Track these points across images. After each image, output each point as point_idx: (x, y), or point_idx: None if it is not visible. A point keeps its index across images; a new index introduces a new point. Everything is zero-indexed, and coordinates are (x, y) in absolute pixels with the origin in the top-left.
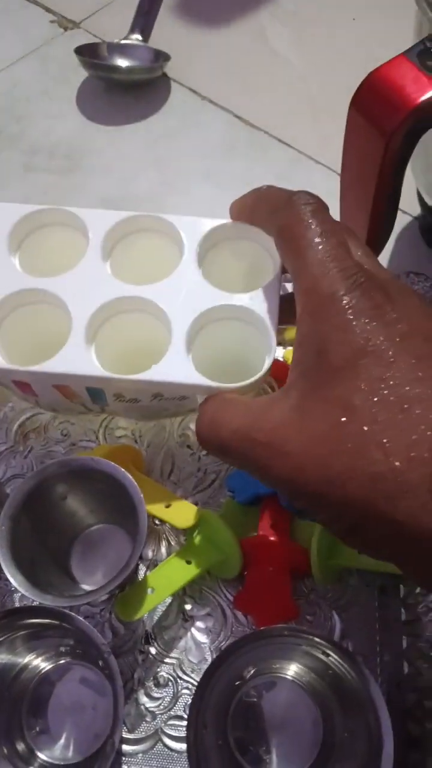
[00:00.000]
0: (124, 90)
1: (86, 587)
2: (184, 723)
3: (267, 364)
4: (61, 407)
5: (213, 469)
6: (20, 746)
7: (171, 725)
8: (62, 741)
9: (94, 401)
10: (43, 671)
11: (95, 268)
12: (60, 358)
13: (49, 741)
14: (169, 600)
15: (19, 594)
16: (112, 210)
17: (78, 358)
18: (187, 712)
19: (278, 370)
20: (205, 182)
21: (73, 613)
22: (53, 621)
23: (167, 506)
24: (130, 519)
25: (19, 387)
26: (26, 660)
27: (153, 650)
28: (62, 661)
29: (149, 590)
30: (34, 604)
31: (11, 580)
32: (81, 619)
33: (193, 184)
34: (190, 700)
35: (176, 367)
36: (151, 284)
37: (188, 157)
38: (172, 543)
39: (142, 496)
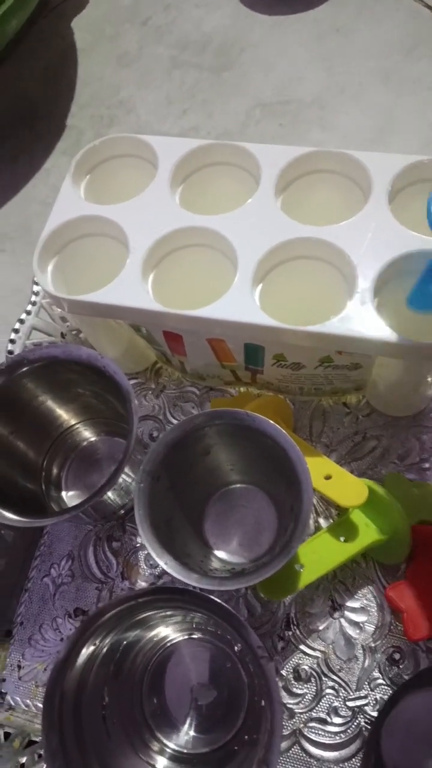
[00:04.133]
0: None
1: (220, 554)
2: (328, 727)
3: None
4: (209, 373)
5: (374, 433)
6: (143, 731)
7: (312, 728)
8: (184, 726)
9: (248, 364)
10: (168, 647)
11: (262, 208)
12: (223, 303)
13: (169, 723)
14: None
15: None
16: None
17: (243, 305)
18: (331, 716)
19: None
20: (382, 86)
21: (225, 605)
22: (199, 609)
23: (327, 478)
24: (277, 483)
25: (169, 341)
26: (154, 633)
27: (294, 637)
28: (195, 636)
29: (298, 566)
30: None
31: (157, 560)
32: (233, 611)
33: (367, 88)
34: (333, 701)
35: (362, 320)
36: (330, 227)
37: (362, 55)
38: (320, 515)
39: (307, 466)
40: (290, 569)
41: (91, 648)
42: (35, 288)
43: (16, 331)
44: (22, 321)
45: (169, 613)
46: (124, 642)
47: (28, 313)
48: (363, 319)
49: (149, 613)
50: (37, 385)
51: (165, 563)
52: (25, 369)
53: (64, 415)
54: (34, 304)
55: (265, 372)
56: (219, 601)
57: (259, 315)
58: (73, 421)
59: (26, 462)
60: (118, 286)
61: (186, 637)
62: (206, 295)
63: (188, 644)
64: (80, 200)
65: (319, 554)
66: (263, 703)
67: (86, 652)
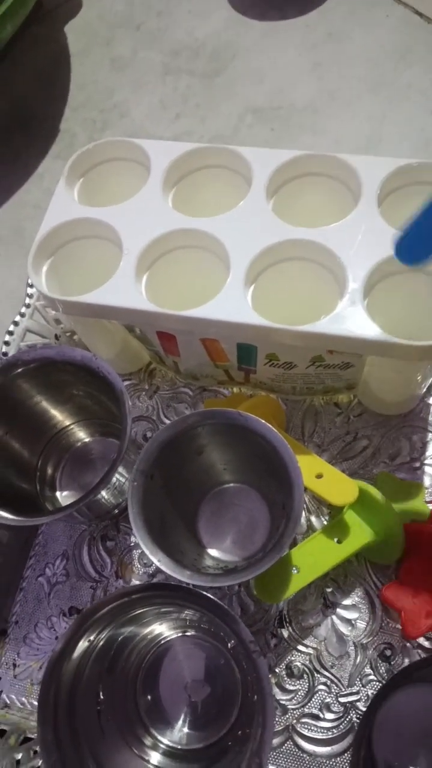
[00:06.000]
0: None
1: (214, 553)
2: (320, 723)
3: None
4: (202, 372)
5: (365, 433)
6: (137, 727)
7: (304, 724)
8: (178, 722)
9: (241, 364)
10: (163, 644)
11: (254, 210)
12: (216, 304)
13: (162, 719)
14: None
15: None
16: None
17: (236, 306)
18: (323, 712)
19: None
20: (373, 92)
21: (218, 601)
22: (192, 605)
23: (318, 476)
24: (269, 482)
25: (162, 341)
26: (148, 631)
27: (287, 634)
28: (189, 633)
29: (293, 569)
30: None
31: (151, 557)
32: (225, 606)
33: (358, 95)
34: (325, 697)
35: (352, 320)
36: (321, 229)
37: (354, 61)
38: (312, 513)
39: (298, 465)
40: (285, 571)
41: (86, 643)
42: (29, 290)
43: (11, 333)
44: (16, 323)
45: (163, 610)
46: (119, 638)
47: (22, 315)
48: (354, 319)
49: (143, 610)
50: (32, 386)
51: (158, 560)
52: (19, 370)
53: (59, 415)
54: (28, 306)
55: (257, 371)
56: (211, 597)
57: (252, 315)
58: (67, 422)
59: (21, 462)
60: (112, 287)
61: (180, 634)
62: (199, 296)
63: (182, 641)
64: (74, 203)
65: (314, 556)
66: (255, 697)
67: (81, 647)
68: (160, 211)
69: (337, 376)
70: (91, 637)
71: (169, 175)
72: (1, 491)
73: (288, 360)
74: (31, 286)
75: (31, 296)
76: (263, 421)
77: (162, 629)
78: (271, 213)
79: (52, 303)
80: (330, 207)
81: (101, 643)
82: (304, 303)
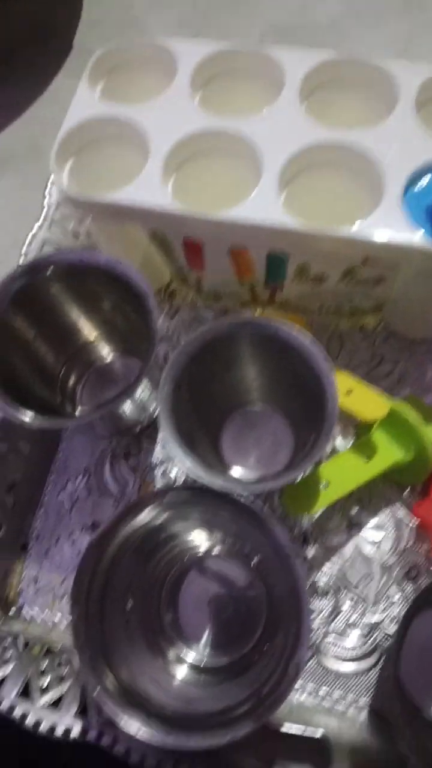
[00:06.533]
0: None
1: (237, 472)
2: (345, 642)
3: None
4: (225, 290)
5: (391, 358)
6: (161, 642)
7: (329, 642)
8: (201, 640)
9: (269, 279)
10: (187, 561)
11: (288, 112)
12: (249, 206)
13: (186, 636)
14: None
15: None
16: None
17: (270, 209)
18: (348, 631)
19: None
20: (401, 14)
21: (252, 504)
22: (227, 509)
23: (348, 392)
24: (297, 401)
25: (188, 253)
26: (177, 543)
27: (311, 554)
28: (215, 552)
29: (322, 485)
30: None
31: (183, 460)
32: (262, 511)
33: (386, 15)
34: (350, 617)
35: (393, 226)
36: (358, 131)
37: None
38: (338, 435)
39: (332, 372)
40: (315, 485)
41: (128, 532)
42: (47, 201)
43: (29, 244)
44: (34, 235)
45: (194, 517)
46: (154, 538)
47: (40, 227)
48: (392, 225)
49: (177, 513)
50: (60, 291)
51: (191, 463)
52: (48, 272)
53: (85, 328)
54: (45, 218)
55: (285, 288)
56: (247, 501)
57: (287, 218)
58: (92, 336)
59: (45, 370)
60: (140, 186)
61: (204, 552)
62: (229, 203)
63: (206, 560)
64: (97, 102)
65: (343, 473)
66: (289, 601)
67: (122, 535)
68: (188, 111)
69: (366, 295)
70: (129, 531)
71: (196, 76)
72: (24, 397)
73: (320, 272)
74: (49, 196)
75: (48, 207)
76: (296, 326)
77: (190, 544)
78: (304, 115)
79: (75, 203)
80: (366, 112)
81: (139, 537)
82: (340, 209)
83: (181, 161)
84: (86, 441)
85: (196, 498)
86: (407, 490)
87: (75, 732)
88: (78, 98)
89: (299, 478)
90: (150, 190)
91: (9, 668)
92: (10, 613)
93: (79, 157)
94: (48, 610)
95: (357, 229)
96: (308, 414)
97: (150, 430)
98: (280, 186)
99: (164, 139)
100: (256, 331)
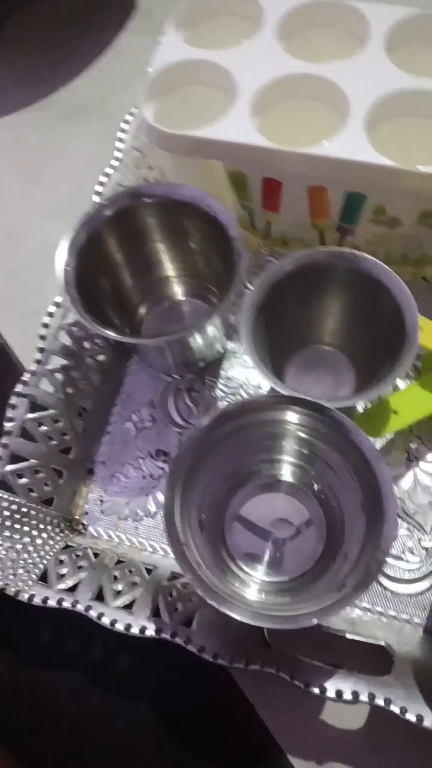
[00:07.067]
0: None
1: None
2: (402, 564)
3: None
4: (295, 234)
5: None
6: (224, 553)
7: (388, 565)
8: (263, 558)
9: (343, 222)
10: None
11: (376, 61)
12: (336, 143)
13: (245, 552)
14: (390, 435)
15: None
16: None
17: (356, 146)
18: (405, 554)
19: None
20: None
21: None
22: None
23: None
24: (367, 342)
25: (266, 191)
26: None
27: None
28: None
29: (392, 412)
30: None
31: (265, 378)
32: (349, 420)
33: None
34: (407, 542)
35: None
36: None
37: None
38: None
39: (413, 302)
40: (386, 411)
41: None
42: (123, 145)
43: (102, 184)
44: (108, 177)
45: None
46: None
47: (115, 170)
48: None
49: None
50: (150, 221)
51: (274, 383)
52: (142, 200)
53: (166, 262)
54: (119, 161)
55: (357, 232)
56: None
57: (374, 155)
58: (171, 272)
59: (123, 297)
60: (226, 125)
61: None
62: (312, 144)
63: (270, 483)
64: (184, 46)
65: (411, 404)
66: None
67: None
68: (275, 56)
69: None
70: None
71: (283, 26)
72: (105, 313)
73: (395, 215)
74: (122, 140)
75: (120, 150)
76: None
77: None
78: (391, 63)
79: (160, 141)
80: None
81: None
82: (423, 156)
83: (269, 103)
84: (149, 378)
85: (284, 405)
86: None
87: (150, 631)
88: (166, 43)
89: (382, 395)
90: (237, 128)
91: (83, 575)
92: (80, 530)
93: (166, 99)
94: (111, 532)
95: None
96: (376, 355)
97: (213, 367)
98: (366, 127)
99: (251, 82)
100: (349, 264)
